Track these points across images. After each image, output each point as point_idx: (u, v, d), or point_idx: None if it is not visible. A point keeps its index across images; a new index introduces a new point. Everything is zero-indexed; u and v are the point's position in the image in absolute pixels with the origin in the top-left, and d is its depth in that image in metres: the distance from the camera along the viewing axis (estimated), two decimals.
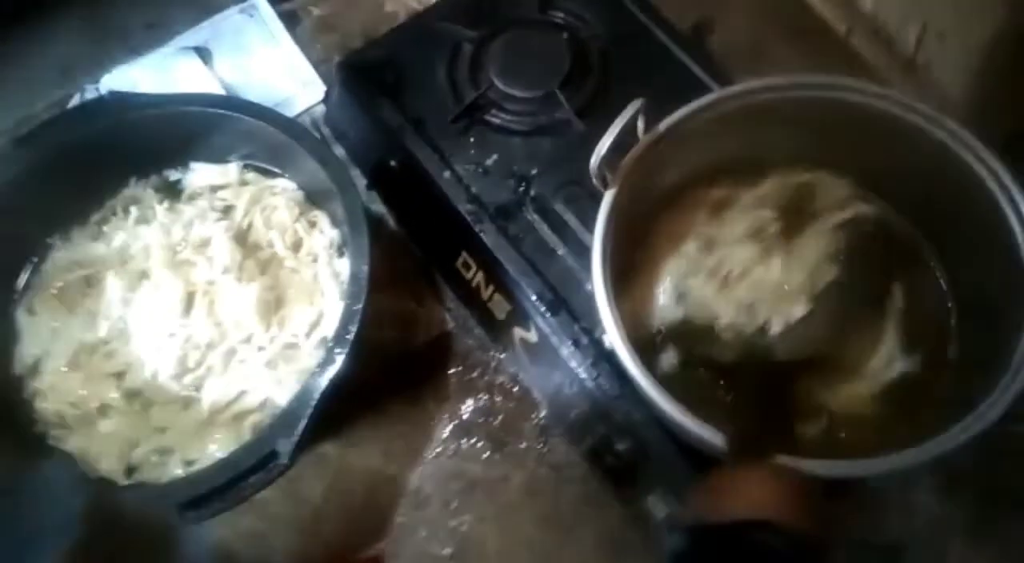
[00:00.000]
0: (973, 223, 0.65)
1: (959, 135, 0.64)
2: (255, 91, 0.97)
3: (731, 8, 0.98)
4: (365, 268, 0.70)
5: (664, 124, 0.66)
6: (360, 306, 0.69)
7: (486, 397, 0.82)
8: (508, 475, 0.79)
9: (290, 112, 0.95)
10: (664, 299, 0.70)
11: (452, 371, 0.83)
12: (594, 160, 0.63)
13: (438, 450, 0.80)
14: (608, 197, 0.64)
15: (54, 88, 0.96)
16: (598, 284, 0.62)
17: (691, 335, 0.69)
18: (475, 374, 0.83)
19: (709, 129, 0.68)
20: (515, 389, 0.82)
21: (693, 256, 0.71)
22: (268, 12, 1.01)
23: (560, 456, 0.79)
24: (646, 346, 0.69)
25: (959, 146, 0.64)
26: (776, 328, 0.67)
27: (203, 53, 0.98)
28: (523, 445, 0.80)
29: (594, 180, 0.64)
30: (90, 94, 0.94)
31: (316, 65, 0.99)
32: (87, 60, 0.98)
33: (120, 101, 0.78)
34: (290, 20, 1.02)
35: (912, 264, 0.71)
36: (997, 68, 0.81)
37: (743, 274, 0.69)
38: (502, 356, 0.83)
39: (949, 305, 0.70)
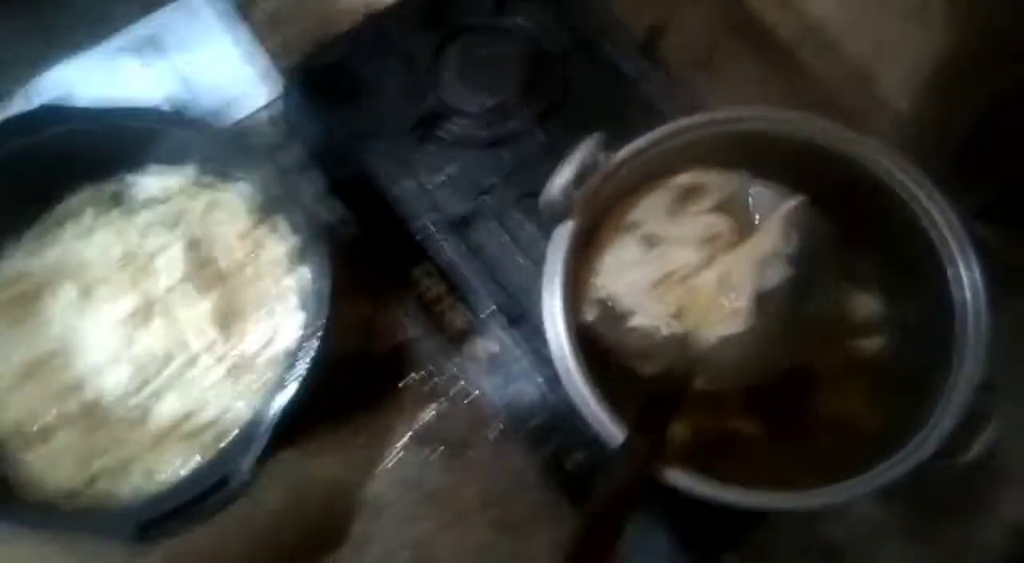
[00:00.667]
0: (905, 251, 0.67)
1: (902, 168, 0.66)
2: (205, 89, 0.93)
3: (685, 12, 0.99)
4: (327, 281, 0.69)
5: (619, 156, 0.66)
6: (321, 321, 0.68)
7: (446, 405, 0.82)
8: (466, 482, 0.80)
9: (243, 110, 0.92)
10: (595, 290, 0.67)
11: (412, 379, 0.83)
12: (543, 197, 0.63)
13: (397, 458, 0.80)
14: (563, 231, 0.64)
15: None
16: (551, 313, 0.63)
17: (609, 327, 0.66)
18: (435, 382, 0.83)
19: (669, 153, 0.69)
20: (475, 397, 0.82)
21: (633, 252, 0.67)
22: (217, 5, 0.97)
23: (518, 463, 0.80)
24: None
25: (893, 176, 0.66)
26: (706, 341, 0.62)
27: (148, 50, 0.94)
28: (482, 452, 0.81)
29: (545, 213, 0.64)
30: (18, 99, 0.89)
31: (270, 60, 0.95)
32: (22, 58, 0.93)
33: (53, 115, 0.74)
34: (240, 14, 0.98)
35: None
36: (939, 83, 0.84)
37: (683, 279, 0.64)
38: (463, 364, 0.83)
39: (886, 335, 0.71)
